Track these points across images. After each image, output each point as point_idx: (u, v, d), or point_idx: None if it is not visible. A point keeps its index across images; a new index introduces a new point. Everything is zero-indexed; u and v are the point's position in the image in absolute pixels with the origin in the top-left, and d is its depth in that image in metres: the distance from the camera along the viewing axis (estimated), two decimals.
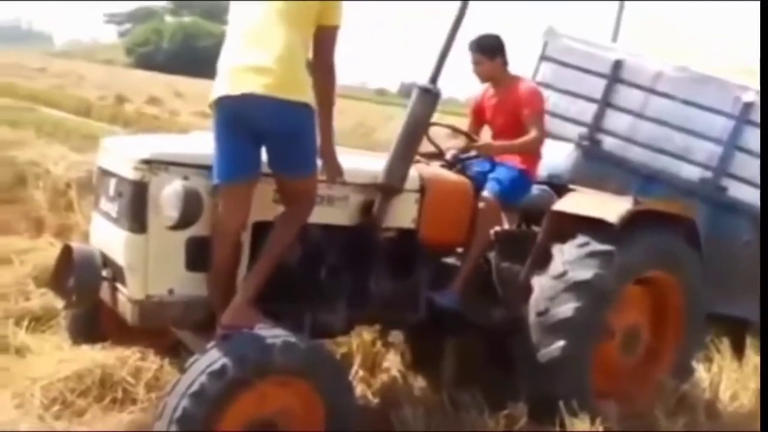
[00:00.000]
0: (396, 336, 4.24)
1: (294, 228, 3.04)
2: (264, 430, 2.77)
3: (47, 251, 4.73)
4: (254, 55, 2.89)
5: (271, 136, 2.91)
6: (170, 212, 2.78)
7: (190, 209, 2.79)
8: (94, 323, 3.55)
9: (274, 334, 2.77)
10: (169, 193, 2.79)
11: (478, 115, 4.36)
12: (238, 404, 2.69)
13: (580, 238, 3.65)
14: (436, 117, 3.67)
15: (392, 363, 4.05)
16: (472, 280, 3.86)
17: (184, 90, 27.40)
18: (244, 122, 2.88)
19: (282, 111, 2.86)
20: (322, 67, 3.05)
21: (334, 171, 3.16)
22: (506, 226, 4.28)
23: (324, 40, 3.02)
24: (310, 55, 3.04)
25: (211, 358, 2.68)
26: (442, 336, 4.06)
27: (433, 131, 3.96)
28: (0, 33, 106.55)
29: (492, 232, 4.05)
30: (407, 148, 3.40)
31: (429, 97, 3.42)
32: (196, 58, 44.35)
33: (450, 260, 3.94)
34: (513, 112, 4.07)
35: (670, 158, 5.22)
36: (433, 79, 3.44)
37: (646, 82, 5.27)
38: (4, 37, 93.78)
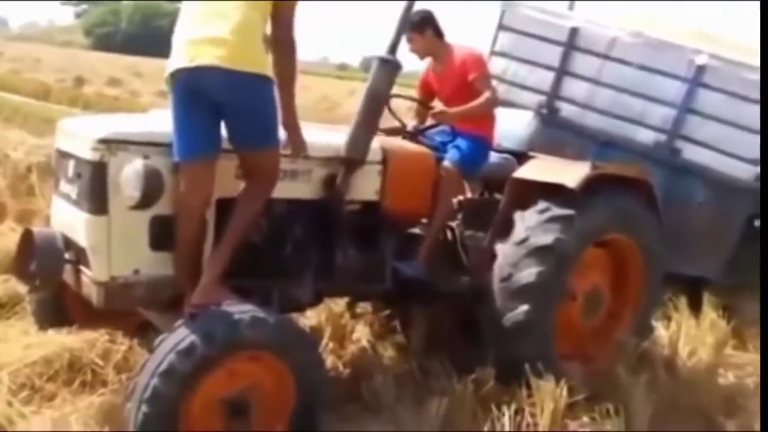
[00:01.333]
0: (364, 307, 4.29)
1: (257, 203, 3.04)
2: (235, 406, 2.79)
3: (9, 237, 4.67)
4: (209, 28, 2.87)
5: (229, 109, 2.89)
6: (131, 192, 2.76)
7: (152, 188, 2.77)
8: (59, 307, 3.52)
9: (241, 309, 2.79)
10: (129, 172, 2.77)
11: (427, 90, 4.38)
12: (208, 381, 2.70)
13: (541, 204, 3.72)
14: (397, 90, 3.70)
15: (361, 334, 4.10)
16: (436, 249, 3.92)
17: (143, 70, 26.91)
18: (201, 96, 2.86)
19: (238, 82, 2.84)
20: (281, 42, 3.03)
21: (299, 145, 3.16)
22: (469, 194, 4.36)
23: (282, 15, 3.00)
24: (269, 30, 3.03)
25: (179, 336, 2.68)
26: (410, 305, 4.13)
27: (394, 104, 3.99)
28: None
29: (455, 201, 4.12)
30: (369, 120, 3.41)
31: (389, 67, 3.43)
32: (154, 38, 43.50)
33: (415, 231, 3.99)
34: (458, 80, 4.10)
35: (626, 123, 5.31)
36: (392, 49, 3.45)
37: (602, 48, 5.34)
38: None
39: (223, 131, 2.96)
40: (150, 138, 2.94)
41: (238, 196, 3.03)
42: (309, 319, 4.05)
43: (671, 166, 5.13)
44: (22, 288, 3.78)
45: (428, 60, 4.32)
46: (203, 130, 2.90)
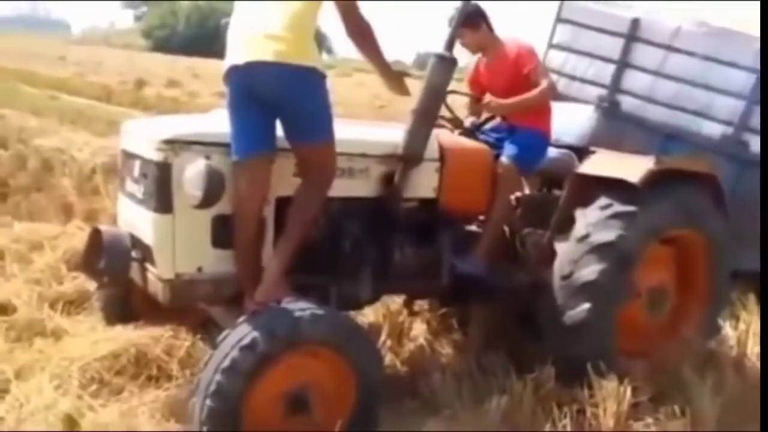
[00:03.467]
0: (421, 305, 4.28)
1: (315, 200, 3.06)
2: (296, 401, 2.83)
3: (77, 236, 4.83)
4: (262, 25, 2.91)
5: (284, 104, 2.92)
6: (194, 191, 2.82)
7: (213, 188, 2.83)
8: (126, 304, 3.63)
9: (302, 306, 2.82)
10: (191, 172, 2.83)
11: (476, 87, 4.32)
12: (269, 377, 2.75)
13: (603, 200, 3.65)
14: (452, 86, 3.67)
15: (419, 331, 4.10)
16: (494, 246, 3.88)
17: (201, 71, 27.43)
18: (256, 93, 2.90)
19: (292, 77, 2.88)
20: (353, 33, 3.12)
21: (396, 84, 3.35)
22: (527, 191, 4.30)
23: (343, 10, 3.07)
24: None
25: (241, 333, 2.74)
26: (468, 303, 4.10)
27: (450, 100, 3.96)
28: (18, 21, 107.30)
29: (513, 197, 4.07)
30: (426, 117, 3.39)
31: (445, 64, 3.40)
32: (211, 39, 44.34)
33: (472, 228, 3.96)
34: (512, 74, 4.02)
35: (690, 116, 5.11)
36: (449, 46, 3.43)
37: (665, 39, 5.16)
38: (23, 25, 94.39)
39: (279, 130, 3.00)
40: (211, 138, 2.99)
41: (296, 193, 3.06)
42: (366, 316, 4.06)
43: (739, 159, 4.94)
44: (90, 285, 3.90)
45: (472, 56, 4.25)
46: (259, 128, 2.95)
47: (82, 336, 3.52)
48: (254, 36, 2.92)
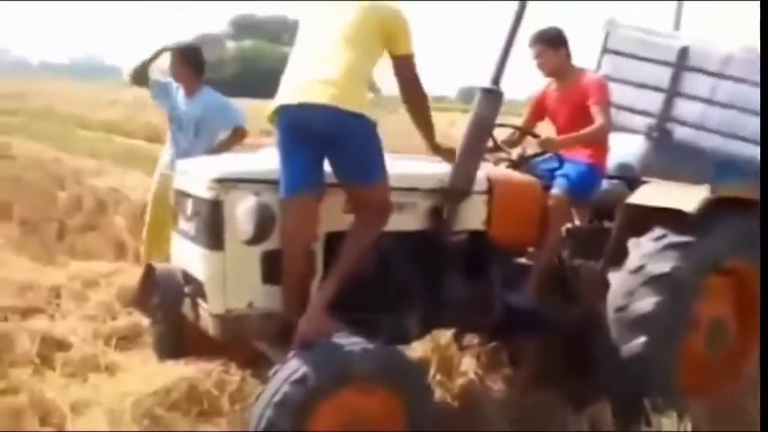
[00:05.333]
0: (471, 339, 4.22)
1: (366, 237, 3.07)
2: None
3: (130, 273, 4.92)
4: (318, 71, 2.98)
5: (333, 144, 2.96)
6: (245, 227, 2.86)
7: (264, 224, 2.86)
8: (178, 339, 3.66)
9: (352, 341, 2.81)
10: (242, 209, 2.87)
11: (539, 110, 4.32)
12: (320, 412, 2.72)
13: (657, 231, 3.57)
14: (500, 119, 3.66)
15: (469, 366, 4.03)
16: (546, 279, 3.82)
17: (247, 111, 27.90)
18: (306, 132, 2.95)
19: (342, 119, 2.92)
20: (411, 92, 3.20)
21: (448, 156, 3.40)
22: (578, 222, 4.23)
23: (400, 68, 3.15)
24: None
25: (292, 368, 2.73)
26: (519, 337, 4.03)
27: (497, 133, 3.95)
28: (74, 68, 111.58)
29: (564, 229, 4.01)
30: (474, 150, 3.39)
31: (492, 97, 3.39)
32: (256, 80, 45.36)
33: (523, 260, 3.91)
34: (578, 106, 4.01)
35: (743, 143, 5.02)
36: (496, 79, 3.41)
37: (714, 67, 5.08)
38: (78, 71, 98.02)
39: (329, 168, 3.03)
40: (261, 175, 3.04)
41: (350, 229, 3.07)
42: (415, 350, 4.01)
43: None
44: (143, 321, 3.96)
45: (543, 80, 4.25)
46: (307, 166, 2.99)
47: (135, 371, 3.56)
48: (309, 80, 2.98)
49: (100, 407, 3.17)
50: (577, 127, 3.99)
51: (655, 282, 3.44)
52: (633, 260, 3.54)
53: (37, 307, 4.56)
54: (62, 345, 3.99)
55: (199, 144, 5.11)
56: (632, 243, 3.60)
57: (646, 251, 3.52)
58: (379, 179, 3.06)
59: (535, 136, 4.11)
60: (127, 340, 4.14)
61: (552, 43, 4.06)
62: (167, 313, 3.16)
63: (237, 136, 5.34)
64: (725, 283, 3.82)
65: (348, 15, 3.04)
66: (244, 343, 3.33)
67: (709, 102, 5.12)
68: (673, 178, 4.04)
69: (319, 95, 2.92)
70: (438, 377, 3.79)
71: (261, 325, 3.05)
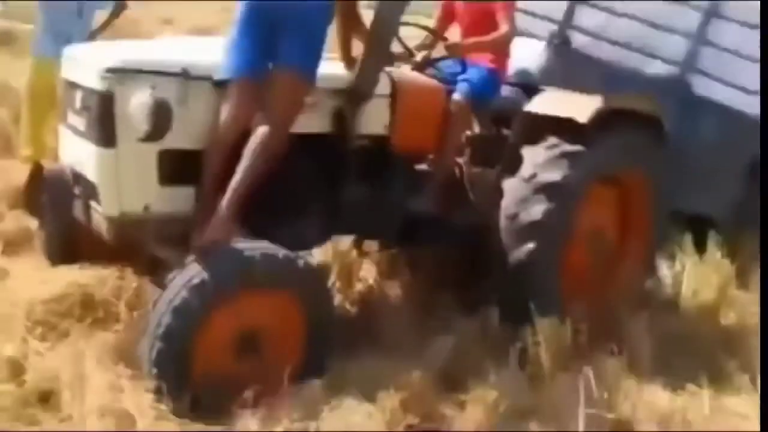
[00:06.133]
0: (371, 246, 4.28)
1: (275, 135, 2.94)
2: (246, 342, 2.83)
3: (17, 171, 4.64)
4: None
5: (284, 21, 2.89)
6: (139, 124, 2.71)
7: (160, 119, 2.72)
8: (69, 243, 3.49)
9: (252, 246, 2.79)
10: (137, 103, 2.71)
11: (448, 13, 4.25)
12: (219, 317, 2.73)
13: (551, 140, 3.66)
14: (406, 19, 3.58)
15: (368, 273, 4.10)
16: (445, 185, 3.87)
17: None
18: (263, 10, 2.88)
19: None
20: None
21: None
22: (477, 129, 4.29)
23: None
24: None
25: (190, 273, 2.70)
26: (417, 244, 4.12)
27: (403, 32, 3.87)
28: None
29: (463, 136, 4.06)
30: (377, 51, 3.30)
31: None
32: None
33: (423, 166, 3.94)
34: (483, 9, 3.96)
35: (639, 55, 5.16)
36: None
37: None
38: None
39: None
40: (158, 66, 2.86)
41: (254, 125, 2.94)
42: (316, 257, 4.04)
43: (682, 100, 5.02)
44: (32, 223, 3.78)
45: None
46: (255, 49, 2.91)
47: (25, 277, 3.42)
48: None
49: None
50: (482, 31, 3.96)
51: (546, 190, 3.56)
52: (526, 169, 3.65)
53: None
54: None
55: (82, 25, 4.83)
56: (526, 151, 3.69)
57: (539, 160, 3.63)
58: (304, 69, 2.96)
59: (443, 39, 4.06)
60: (15, 244, 3.96)
61: None
62: (57, 216, 3.01)
63: (117, 13, 5.14)
64: (610, 191, 4.01)
65: None
66: (140, 248, 3.26)
67: (610, 11, 5.20)
68: (571, 87, 4.12)
69: None
70: (338, 284, 3.84)
71: (158, 230, 2.97)
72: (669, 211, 4.15)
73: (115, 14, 5.10)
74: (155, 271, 3.31)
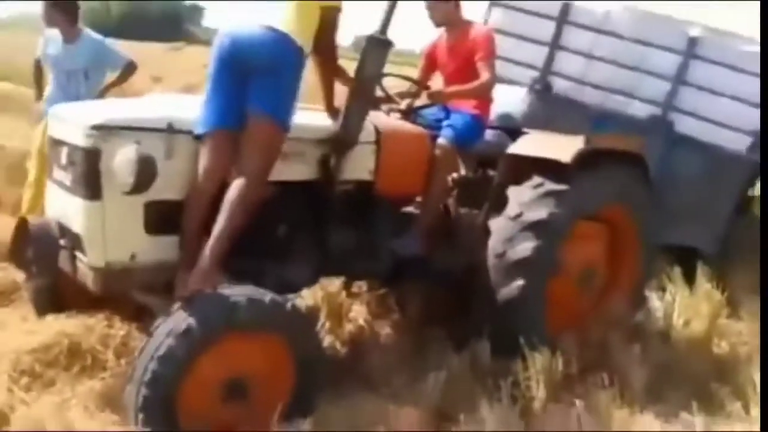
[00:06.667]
0: (360, 286, 4.31)
1: (251, 182, 2.97)
2: (233, 387, 2.80)
3: (5, 225, 4.66)
4: (262, 16, 3.00)
5: (256, 68, 2.95)
6: (125, 178, 2.77)
7: (145, 173, 2.77)
8: (56, 294, 3.52)
9: (237, 291, 2.80)
10: (122, 159, 2.77)
11: (431, 61, 4.36)
12: (205, 364, 2.71)
13: (535, 179, 3.73)
14: (391, 69, 3.67)
15: (358, 313, 4.11)
16: (432, 226, 3.92)
17: (136, 56, 26.61)
18: (235, 59, 2.96)
19: (269, 39, 2.95)
20: (324, 44, 3.19)
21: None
22: (463, 172, 4.36)
23: (327, 20, 3.15)
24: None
25: (176, 320, 2.70)
26: (406, 283, 4.15)
27: (386, 82, 3.97)
28: None
29: (450, 178, 4.12)
30: (361, 101, 3.39)
31: (380, 47, 3.39)
32: (145, 23, 43.21)
33: (410, 209, 4.00)
34: (465, 57, 4.07)
35: (621, 97, 5.30)
36: (383, 29, 3.41)
37: (595, 22, 5.31)
38: None
39: None
40: (142, 123, 2.93)
41: (233, 174, 2.98)
42: (305, 299, 4.06)
43: (666, 138, 5.13)
44: (19, 276, 3.79)
45: (435, 31, 4.28)
46: (230, 100, 2.96)
47: (12, 328, 3.42)
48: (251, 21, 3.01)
49: None
50: (463, 78, 4.07)
51: (532, 228, 3.61)
52: (512, 208, 3.70)
53: None
54: None
55: (91, 90, 4.97)
56: (512, 191, 3.76)
57: (524, 199, 3.69)
58: (278, 116, 2.99)
59: (426, 88, 4.17)
60: (3, 295, 3.97)
61: None
62: (43, 267, 3.03)
63: (126, 74, 5.23)
64: (596, 227, 4.06)
65: None
66: (127, 297, 3.26)
67: (590, 56, 5.35)
68: (554, 130, 4.22)
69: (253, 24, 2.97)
70: (327, 324, 3.85)
71: (145, 278, 2.99)
72: (657, 244, 4.19)
73: (125, 75, 5.21)
74: (142, 318, 3.32)
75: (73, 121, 2.99)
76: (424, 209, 3.92)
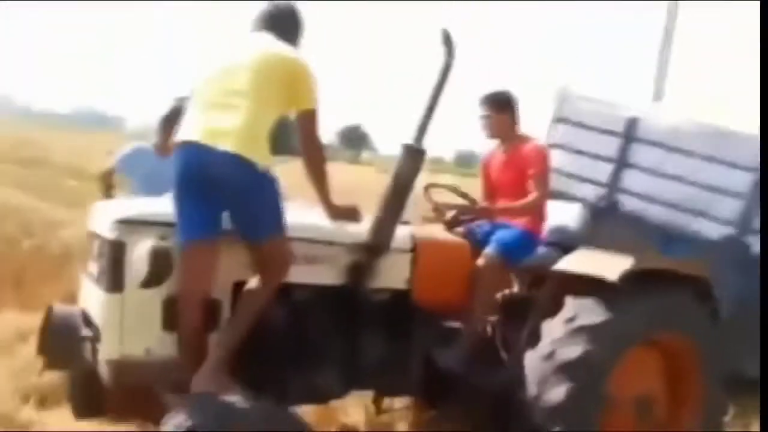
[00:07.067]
0: (401, 402, 4.07)
1: (263, 292, 3.00)
2: None
3: None
4: (220, 118, 2.95)
5: (231, 197, 2.93)
6: (141, 270, 2.80)
7: (159, 267, 2.80)
8: (93, 394, 3.50)
9: (228, 399, 2.70)
10: (140, 251, 2.82)
11: (486, 175, 4.31)
12: None
13: (568, 311, 3.44)
14: (450, 179, 3.62)
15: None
16: (475, 343, 3.71)
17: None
18: (204, 177, 2.90)
19: (240, 171, 2.88)
20: (307, 147, 3.13)
21: (343, 215, 3.24)
22: (515, 288, 4.16)
23: (303, 122, 3.11)
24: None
25: (177, 421, 2.63)
26: (444, 401, 3.90)
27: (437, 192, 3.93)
28: (75, 118, 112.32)
29: (499, 295, 3.94)
30: (393, 207, 3.35)
31: (414, 155, 3.38)
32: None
33: (453, 323, 3.81)
34: (519, 172, 4.01)
35: (690, 216, 5.03)
36: (419, 137, 3.39)
37: (663, 138, 5.15)
38: (80, 122, 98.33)
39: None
40: (166, 218, 2.98)
41: (249, 285, 3.01)
42: (348, 415, 3.86)
43: (741, 261, 4.78)
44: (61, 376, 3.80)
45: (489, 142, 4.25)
46: (205, 214, 2.94)
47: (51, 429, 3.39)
48: (212, 127, 2.93)
49: None
50: (517, 192, 3.98)
51: (566, 368, 3.30)
52: (544, 346, 3.41)
53: None
54: None
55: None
56: (545, 325, 3.49)
57: (556, 336, 3.40)
58: (274, 235, 2.99)
59: (473, 202, 4.09)
60: (49, 397, 3.97)
61: (498, 106, 4.06)
62: (58, 357, 3.04)
63: None
64: (655, 356, 3.71)
65: (253, 64, 3.02)
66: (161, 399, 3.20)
67: (657, 173, 5.16)
68: (619, 249, 3.96)
69: (222, 142, 2.88)
70: None
71: (159, 373, 2.95)
72: (726, 372, 3.77)
73: None
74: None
75: (105, 215, 3.09)
76: (467, 324, 3.74)
